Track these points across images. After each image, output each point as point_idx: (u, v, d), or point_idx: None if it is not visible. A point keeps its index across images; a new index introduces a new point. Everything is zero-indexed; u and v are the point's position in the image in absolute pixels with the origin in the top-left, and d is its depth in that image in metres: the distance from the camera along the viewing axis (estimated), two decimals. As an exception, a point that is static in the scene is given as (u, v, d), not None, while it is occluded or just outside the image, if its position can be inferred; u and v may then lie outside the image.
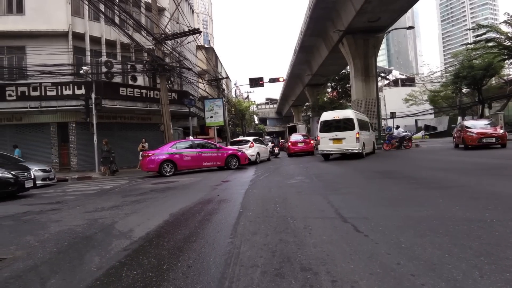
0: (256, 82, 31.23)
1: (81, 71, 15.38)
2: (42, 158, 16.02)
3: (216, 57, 37.02)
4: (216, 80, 30.17)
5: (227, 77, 40.32)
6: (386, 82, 66.15)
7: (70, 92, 16.57)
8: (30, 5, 17.27)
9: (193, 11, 34.99)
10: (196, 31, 16.17)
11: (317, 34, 29.02)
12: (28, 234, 4.11)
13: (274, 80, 31.38)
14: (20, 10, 17.38)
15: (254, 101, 65.71)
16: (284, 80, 37.69)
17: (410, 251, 2.54)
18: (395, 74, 79.38)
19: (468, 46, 30.94)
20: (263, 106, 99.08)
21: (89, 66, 16.78)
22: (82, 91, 16.28)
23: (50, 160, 17.11)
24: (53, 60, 15.76)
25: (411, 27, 24.71)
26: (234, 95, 53.73)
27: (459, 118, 34.91)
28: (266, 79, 31.32)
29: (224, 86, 35.97)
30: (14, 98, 16.15)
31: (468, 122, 15.15)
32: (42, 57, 15.65)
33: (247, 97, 55.75)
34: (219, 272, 2.41)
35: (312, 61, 36.52)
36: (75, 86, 16.65)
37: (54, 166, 16.44)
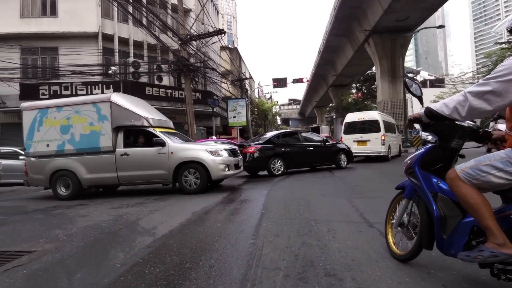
0: (279, 83, 31.10)
1: (110, 71, 15.87)
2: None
3: (240, 57, 37.21)
4: (240, 81, 30.29)
5: (251, 78, 40.51)
6: (414, 83, 64.12)
7: (99, 92, 17.16)
8: (62, 8, 18.03)
9: (218, 12, 35.35)
10: (220, 32, 16.26)
11: (342, 34, 28.55)
12: (57, 228, 4.26)
13: (297, 81, 31.13)
14: (54, 12, 18.17)
15: (277, 102, 65.47)
16: (307, 80, 37.27)
17: (441, 260, 2.42)
18: (424, 75, 76.79)
19: (502, 45, 29.51)
20: (286, 107, 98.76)
21: (117, 67, 17.28)
22: (111, 90, 16.80)
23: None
24: (83, 60, 16.36)
25: (441, 26, 23.86)
26: (257, 96, 53.80)
27: (492, 122, 33.27)
28: (289, 80, 31.16)
29: (247, 87, 36.08)
30: (47, 96, 16.88)
31: (501, 126, 14.42)
32: (74, 57, 16.29)
33: (270, 98, 55.65)
34: (241, 274, 2.39)
35: (337, 61, 35.99)
36: (104, 86, 17.23)
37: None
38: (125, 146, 7.13)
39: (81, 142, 7.19)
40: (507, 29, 1.81)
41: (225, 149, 7.21)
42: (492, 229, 1.63)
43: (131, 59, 18.40)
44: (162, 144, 6.97)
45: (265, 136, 10.74)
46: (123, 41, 19.07)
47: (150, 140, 7.15)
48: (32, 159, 7.46)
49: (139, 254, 2.99)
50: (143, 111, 7.54)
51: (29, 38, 17.55)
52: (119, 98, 7.42)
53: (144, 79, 18.87)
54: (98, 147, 7.11)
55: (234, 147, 7.92)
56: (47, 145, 7.31)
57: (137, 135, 7.41)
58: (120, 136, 7.15)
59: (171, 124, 8.63)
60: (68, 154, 7.24)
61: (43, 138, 7.34)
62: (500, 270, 1.66)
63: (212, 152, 6.93)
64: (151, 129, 7.25)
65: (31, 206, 6.38)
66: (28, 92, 16.78)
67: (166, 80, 20.04)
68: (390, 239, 2.64)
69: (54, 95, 16.86)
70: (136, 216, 4.82)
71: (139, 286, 2.26)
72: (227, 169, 6.99)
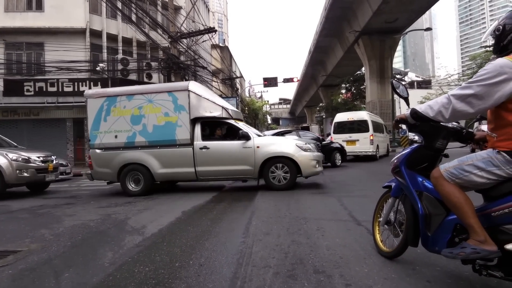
0: (270, 82, 31.20)
1: (98, 68, 15.62)
2: (58, 153, 16.25)
3: (231, 56, 37.11)
4: (230, 79, 30.22)
5: (241, 76, 40.44)
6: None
7: (86, 89, 16.79)
8: (49, 2, 17.62)
9: (208, 10, 35.16)
10: (211, 30, 16.20)
11: (333, 35, 28.78)
12: (43, 228, 4.18)
13: (288, 80, 31.33)
14: (40, 7, 17.76)
15: (268, 101, 65.55)
16: (298, 80, 37.54)
17: (426, 257, 2.48)
18: (411, 76, 78.00)
19: (487, 48, 30.21)
20: (276, 106, 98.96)
21: (106, 63, 17.02)
22: (98, 87, 16.52)
23: (66, 155, 17.40)
24: (70, 56, 16.01)
25: (428, 29, 24.31)
26: (247, 95, 53.75)
27: (476, 122, 33.94)
28: (280, 79, 31.34)
29: (238, 85, 36.03)
30: (32, 93, 16.55)
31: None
32: (60, 53, 15.92)
33: (261, 97, 55.68)
34: (231, 272, 2.40)
35: (327, 61, 36.26)
36: (92, 83, 16.94)
37: (69, 161, 16.72)
38: (203, 138, 6.68)
39: (154, 134, 6.72)
40: (491, 36, 1.88)
41: (313, 144, 6.78)
42: (474, 227, 1.68)
43: (120, 56, 18.14)
44: (247, 137, 6.51)
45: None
46: (112, 38, 18.75)
47: (230, 132, 6.79)
48: (98, 151, 6.96)
49: (128, 253, 2.97)
50: (220, 101, 7.06)
51: (13, 32, 17.09)
52: (197, 87, 6.96)
53: (133, 76, 18.61)
54: (174, 140, 6.64)
55: (317, 142, 7.53)
56: (115, 136, 6.84)
57: (215, 127, 6.96)
58: (198, 128, 6.66)
59: (242, 116, 8.14)
60: (139, 147, 6.80)
61: (111, 128, 6.86)
62: (481, 266, 1.72)
63: (302, 147, 6.50)
64: (232, 121, 6.82)
65: (16, 206, 6.24)
66: (12, 88, 16.40)
67: (156, 78, 19.83)
68: (377, 236, 2.70)
69: (40, 92, 16.52)
70: (124, 215, 4.78)
71: (129, 285, 2.25)
72: (317, 165, 6.58)
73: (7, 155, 7.13)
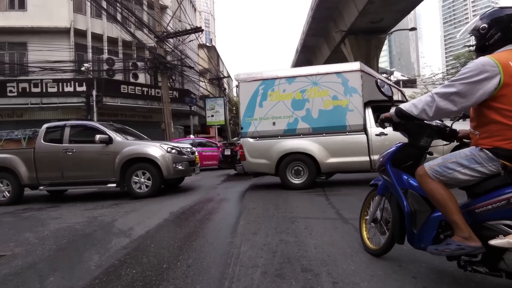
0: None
1: (83, 68, 15.37)
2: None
3: (218, 55, 36.96)
4: (218, 79, 30.11)
5: (229, 76, 40.32)
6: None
7: (71, 89, 16.58)
8: (32, 1, 17.29)
9: (195, 10, 34.95)
10: (198, 30, 16.12)
11: (319, 34, 28.93)
12: (28, 231, 4.10)
13: (275, 80, 31.27)
14: (22, 6, 17.39)
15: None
16: (285, 79, 37.45)
17: (411, 254, 2.51)
18: (397, 75, 79.06)
19: (470, 48, 30.90)
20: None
21: (91, 63, 16.76)
22: (83, 88, 16.28)
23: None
24: (54, 56, 15.74)
25: (413, 29, 24.71)
26: (235, 94, 53.61)
27: (460, 120, 34.60)
28: (267, 79, 31.23)
29: (226, 85, 35.92)
30: (15, 94, 16.18)
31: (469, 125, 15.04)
32: (44, 53, 15.63)
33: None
34: (219, 272, 2.40)
35: (314, 61, 36.45)
36: (77, 83, 16.66)
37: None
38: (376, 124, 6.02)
39: (320, 120, 6.13)
40: (469, 33, 1.91)
41: None
42: (458, 223, 1.71)
43: (105, 55, 17.89)
44: None
45: None
46: (97, 37, 18.50)
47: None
48: (251, 140, 6.38)
49: (115, 255, 2.93)
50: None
51: (-5, 32, 16.71)
52: (367, 67, 6.40)
53: (119, 76, 18.40)
54: (344, 126, 6.06)
55: None
56: (273, 124, 6.28)
57: (386, 111, 6.65)
58: (369, 112, 6.10)
59: None
60: (300, 134, 6.21)
61: (268, 115, 6.30)
62: (466, 262, 1.75)
63: None
64: None
65: (-1, 209, 6.10)
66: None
67: (142, 78, 19.63)
68: (364, 234, 2.73)
69: (23, 92, 16.16)
70: (111, 217, 4.71)
71: (115, 288, 2.22)
72: None
73: (162, 146, 6.43)
